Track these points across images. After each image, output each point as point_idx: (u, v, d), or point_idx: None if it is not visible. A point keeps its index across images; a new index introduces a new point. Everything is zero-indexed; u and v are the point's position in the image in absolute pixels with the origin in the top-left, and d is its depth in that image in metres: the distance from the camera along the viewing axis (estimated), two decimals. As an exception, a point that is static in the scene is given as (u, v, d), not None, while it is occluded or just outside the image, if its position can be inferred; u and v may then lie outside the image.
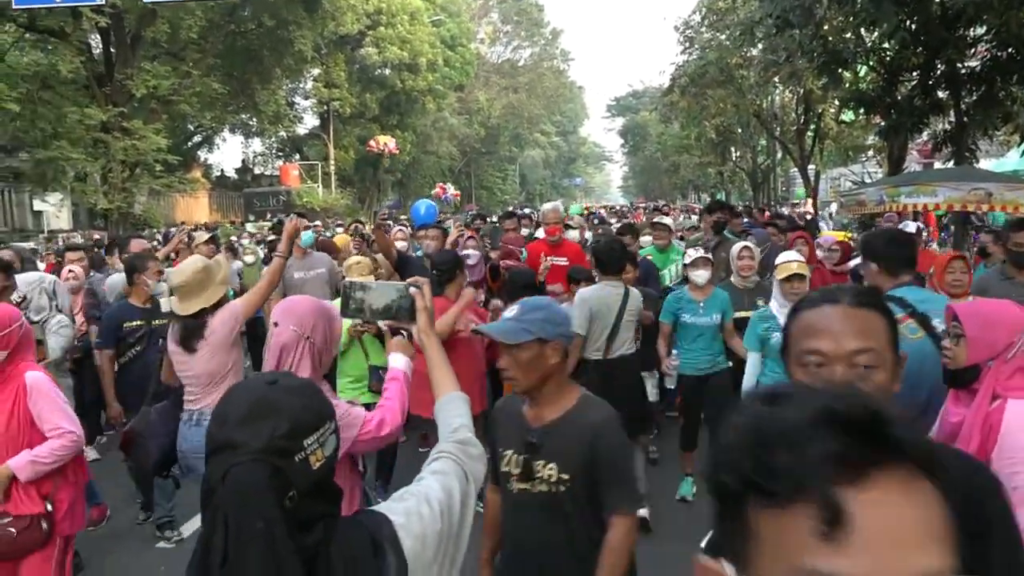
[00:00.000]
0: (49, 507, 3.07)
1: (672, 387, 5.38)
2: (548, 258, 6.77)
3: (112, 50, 22.87)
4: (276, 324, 2.75)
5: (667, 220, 7.64)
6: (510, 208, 32.75)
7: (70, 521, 3.18)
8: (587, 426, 2.08)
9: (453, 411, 1.77)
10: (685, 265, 5.56)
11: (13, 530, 2.96)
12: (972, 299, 4.11)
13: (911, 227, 6.74)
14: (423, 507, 1.44)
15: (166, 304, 4.85)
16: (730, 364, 5.34)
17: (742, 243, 5.85)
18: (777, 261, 4.70)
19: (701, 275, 5.35)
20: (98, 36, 23.02)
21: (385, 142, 36.65)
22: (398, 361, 2.87)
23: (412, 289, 1.91)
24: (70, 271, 6.51)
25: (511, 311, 2.37)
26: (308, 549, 1.28)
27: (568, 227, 9.45)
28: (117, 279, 5.99)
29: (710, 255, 5.45)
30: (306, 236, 6.83)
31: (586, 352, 4.98)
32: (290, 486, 1.28)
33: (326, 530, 1.32)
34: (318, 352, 2.75)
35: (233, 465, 1.27)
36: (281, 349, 2.69)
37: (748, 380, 4.66)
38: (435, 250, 6.44)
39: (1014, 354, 2.39)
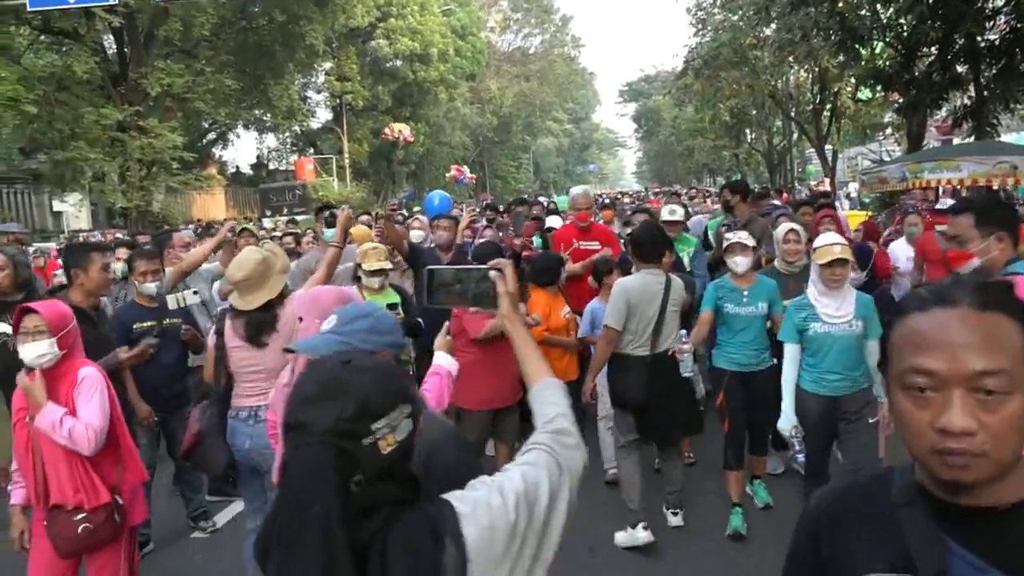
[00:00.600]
0: (119, 499, 3.13)
1: (687, 375, 4.81)
2: (578, 243, 6.50)
3: (126, 50, 23.03)
4: (301, 319, 2.66)
5: (678, 210, 7.25)
6: (524, 196, 32.64)
7: (136, 511, 3.26)
8: (423, 443, 1.75)
9: (549, 398, 1.65)
10: (722, 250, 4.96)
11: (91, 525, 3.02)
12: None
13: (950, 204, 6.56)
14: (494, 497, 1.36)
15: (173, 302, 4.87)
16: (775, 361, 4.76)
17: (789, 225, 5.40)
18: (816, 244, 4.26)
19: (739, 262, 4.82)
20: (111, 36, 23.17)
21: (400, 129, 36.71)
22: (443, 359, 2.90)
23: (493, 273, 1.78)
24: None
25: (329, 322, 2.14)
26: (363, 538, 1.25)
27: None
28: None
29: (749, 240, 4.89)
30: (328, 231, 6.72)
31: (628, 348, 4.60)
32: (356, 470, 1.26)
33: (388, 518, 1.29)
34: None
35: (300, 446, 1.27)
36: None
37: (787, 375, 4.29)
38: (447, 240, 6.36)
39: None
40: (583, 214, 6.59)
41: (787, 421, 4.29)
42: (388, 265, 5.09)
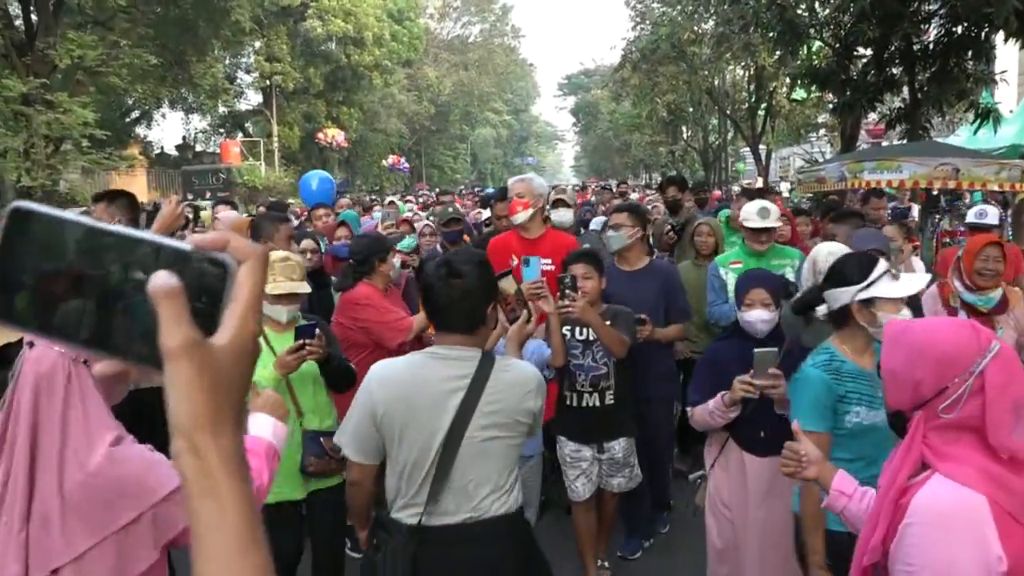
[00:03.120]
0: None
1: None
2: (518, 261, 4.36)
3: (33, 17, 21.50)
4: (31, 344, 1.75)
5: (773, 212, 4.74)
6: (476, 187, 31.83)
7: None
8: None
9: None
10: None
11: None
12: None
13: (992, 214, 5.58)
14: None
15: None
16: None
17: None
18: None
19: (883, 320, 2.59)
20: (17, 2, 21.63)
21: (334, 135, 35.67)
22: (261, 426, 1.98)
23: (156, 283, 0.61)
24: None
25: None
26: None
27: (561, 204, 5.82)
28: None
29: (912, 283, 2.81)
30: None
31: (394, 508, 2.42)
32: None
33: None
34: (105, 380, 1.77)
35: None
36: (37, 387, 1.70)
37: None
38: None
39: (948, 405, 1.61)
40: (514, 203, 4.58)
41: None
42: (304, 287, 3.57)
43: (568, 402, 3.98)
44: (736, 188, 24.42)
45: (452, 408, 2.30)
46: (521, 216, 4.59)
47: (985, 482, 1.59)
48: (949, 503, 1.60)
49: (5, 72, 19.73)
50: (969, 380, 1.60)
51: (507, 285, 2.98)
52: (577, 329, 3.96)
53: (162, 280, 0.60)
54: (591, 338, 3.88)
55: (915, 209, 11.77)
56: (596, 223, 7.77)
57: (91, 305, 0.63)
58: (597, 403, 3.90)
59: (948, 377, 1.62)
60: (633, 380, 4.01)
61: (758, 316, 3.23)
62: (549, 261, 4.46)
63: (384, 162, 41.03)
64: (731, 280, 4.47)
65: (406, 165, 40.29)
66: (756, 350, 2.97)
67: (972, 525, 1.58)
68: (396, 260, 4.64)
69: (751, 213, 4.66)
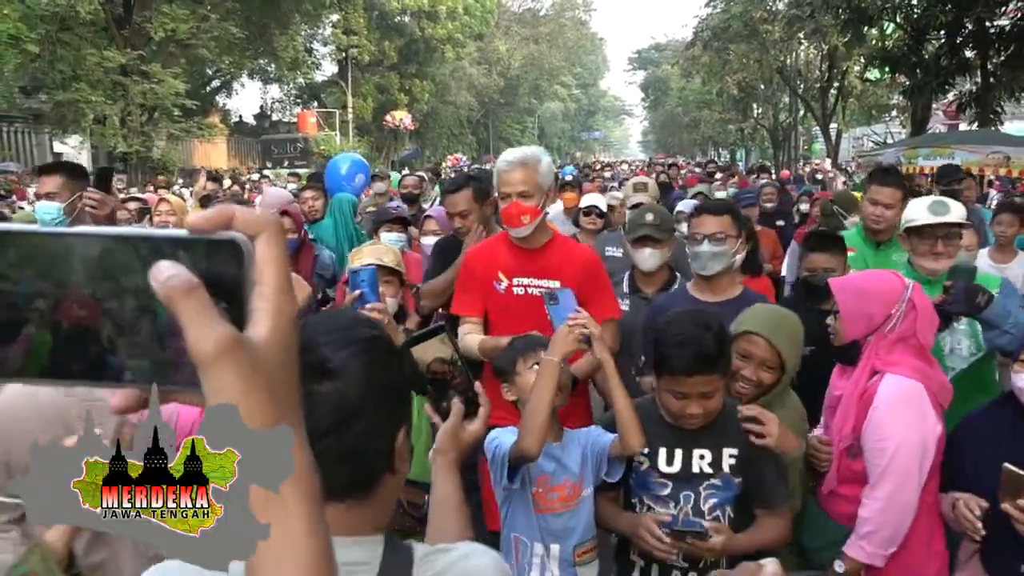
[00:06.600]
0: None
1: None
2: (511, 282, 2.99)
3: (130, -8, 22.71)
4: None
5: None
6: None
7: None
8: None
9: None
10: None
11: None
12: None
13: None
14: None
15: None
16: None
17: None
18: None
19: None
20: (115, -23, 22.84)
21: (401, 118, 36.45)
22: None
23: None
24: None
25: None
26: None
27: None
28: None
29: None
30: (43, 207, 3.31)
31: None
32: None
33: None
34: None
35: None
36: None
37: None
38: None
39: (892, 327, 2.31)
40: (515, 207, 2.90)
41: None
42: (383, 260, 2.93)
43: (632, 567, 2.24)
44: (806, 169, 24.23)
45: None
46: (527, 229, 2.93)
47: (919, 374, 2.31)
48: (902, 389, 2.28)
49: (105, 44, 20.95)
50: (902, 306, 2.32)
51: (437, 351, 1.82)
52: (663, 452, 2.17)
53: (169, 274, 0.49)
54: (701, 470, 2.14)
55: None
56: (685, 205, 5.36)
57: (86, 331, 0.51)
58: None
59: (891, 306, 2.33)
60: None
61: None
62: (557, 284, 2.84)
63: (444, 163, 41.91)
64: None
65: (465, 160, 41.22)
66: (1005, 465, 2.04)
67: (919, 403, 2.27)
68: None
69: (920, 210, 3.06)
